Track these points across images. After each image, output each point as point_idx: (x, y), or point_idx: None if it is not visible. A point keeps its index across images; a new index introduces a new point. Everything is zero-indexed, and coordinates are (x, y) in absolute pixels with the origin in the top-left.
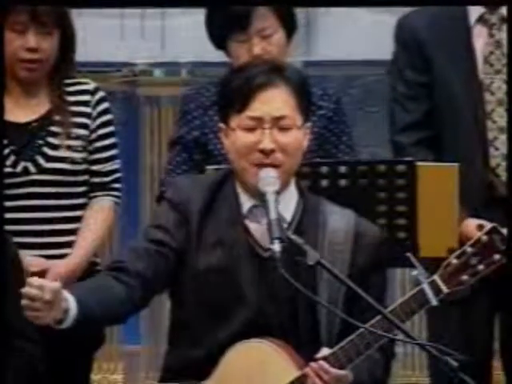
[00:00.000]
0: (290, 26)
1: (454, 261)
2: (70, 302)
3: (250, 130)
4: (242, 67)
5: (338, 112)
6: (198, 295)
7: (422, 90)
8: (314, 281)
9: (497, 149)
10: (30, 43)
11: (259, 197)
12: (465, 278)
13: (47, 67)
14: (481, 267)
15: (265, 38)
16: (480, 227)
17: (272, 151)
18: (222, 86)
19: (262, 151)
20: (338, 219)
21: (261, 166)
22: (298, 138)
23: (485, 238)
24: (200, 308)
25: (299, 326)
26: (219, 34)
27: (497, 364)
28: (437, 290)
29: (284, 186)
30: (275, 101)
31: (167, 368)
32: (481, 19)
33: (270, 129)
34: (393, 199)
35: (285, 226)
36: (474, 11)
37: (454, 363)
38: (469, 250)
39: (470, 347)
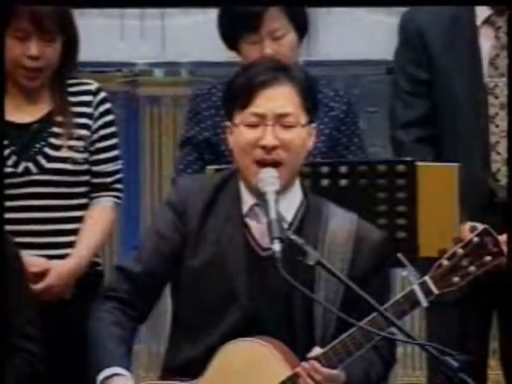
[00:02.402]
0: (301, 28)
1: (445, 262)
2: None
3: (253, 126)
4: (248, 66)
5: (349, 113)
6: (195, 293)
7: (424, 88)
8: (311, 281)
9: (498, 153)
10: (32, 51)
11: (259, 196)
12: (456, 279)
13: (49, 73)
14: (472, 269)
15: (276, 39)
16: (472, 229)
17: (274, 148)
18: (228, 83)
19: (264, 147)
20: (340, 222)
21: (262, 162)
22: (301, 135)
23: (476, 239)
24: (196, 306)
25: (294, 325)
26: (231, 35)
27: (494, 364)
28: (427, 292)
29: (287, 184)
30: (279, 98)
31: (166, 366)
32: (487, 21)
33: (273, 125)
34: (393, 199)
35: (285, 225)
36: (481, 12)
37: (454, 363)
38: (460, 251)
39: (465, 347)
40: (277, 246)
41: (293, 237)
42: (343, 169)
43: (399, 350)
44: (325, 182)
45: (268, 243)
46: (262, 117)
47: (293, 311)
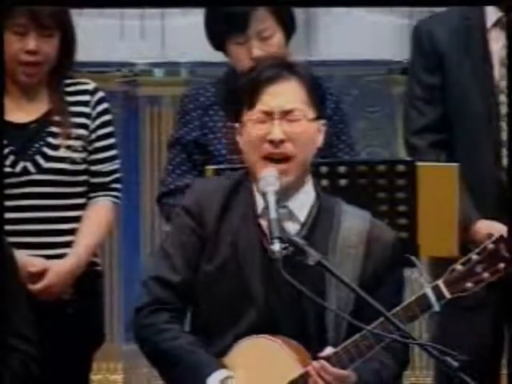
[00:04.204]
0: (288, 28)
1: (459, 267)
2: None
3: (261, 122)
4: (252, 66)
5: (338, 112)
6: (211, 296)
7: (437, 93)
8: (322, 284)
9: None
10: (30, 46)
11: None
12: (469, 285)
13: (47, 69)
14: (485, 275)
15: (264, 40)
16: (489, 236)
17: (281, 142)
18: (234, 86)
19: (272, 142)
20: (353, 221)
21: (270, 157)
22: (308, 129)
23: (491, 246)
24: (212, 309)
25: (308, 327)
26: (218, 36)
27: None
28: (440, 296)
29: (299, 180)
30: (285, 94)
31: None
32: (498, 22)
33: (280, 120)
34: (393, 199)
35: (297, 227)
36: (492, 14)
37: (454, 363)
38: (474, 257)
39: (478, 352)
40: (276, 246)
41: (293, 237)
42: (343, 169)
43: None
44: (324, 182)
45: (283, 245)
46: (269, 113)
47: (306, 313)
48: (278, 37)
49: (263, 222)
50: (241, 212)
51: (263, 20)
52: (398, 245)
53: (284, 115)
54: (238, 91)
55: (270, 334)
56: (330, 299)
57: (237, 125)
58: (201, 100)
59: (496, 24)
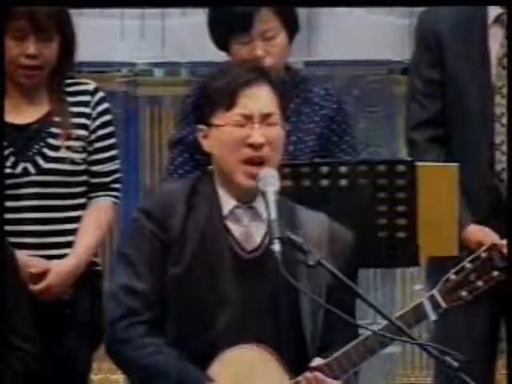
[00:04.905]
0: (292, 28)
1: (453, 276)
2: None
3: (240, 125)
4: (224, 69)
5: (340, 112)
6: (180, 300)
7: (437, 88)
8: (295, 278)
9: (503, 153)
10: (29, 50)
11: (246, 196)
12: (463, 293)
13: (47, 72)
14: (479, 283)
15: (267, 40)
16: (479, 243)
17: (261, 145)
18: (203, 87)
19: (252, 145)
20: (313, 223)
21: (250, 161)
22: (281, 134)
23: (484, 254)
24: (182, 313)
25: (281, 327)
26: (222, 36)
27: (500, 364)
28: (436, 305)
29: None
30: (262, 98)
31: None
32: (498, 19)
33: (260, 123)
34: (393, 199)
35: (264, 226)
36: (493, 11)
37: (454, 363)
38: (468, 266)
39: (473, 347)
40: (277, 247)
41: (293, 237)
42: (343, 169)
43: (399, 349)
44: (324, 183)
45: (252, 246)
46: (248, 116)
47: (279, 313)
48: (281, 37)
49: (230, 224)
50: (205, 215)
51: (267, 20)
52: (355, 245)
53: (263, 119)
54: (212, 92)
55: (245, 337)
56: (303, 298)
57: (202, 126)
58: None
59: (496, 21)
